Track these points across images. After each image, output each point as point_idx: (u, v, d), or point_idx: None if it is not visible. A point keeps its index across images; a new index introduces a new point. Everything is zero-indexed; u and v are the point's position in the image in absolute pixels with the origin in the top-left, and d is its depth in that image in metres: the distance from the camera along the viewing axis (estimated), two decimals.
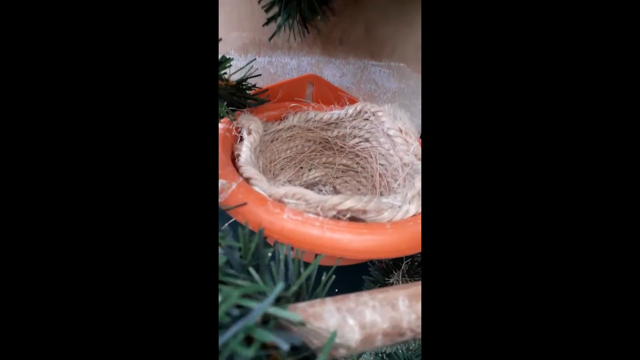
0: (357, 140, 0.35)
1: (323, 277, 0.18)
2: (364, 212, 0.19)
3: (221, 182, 0.19)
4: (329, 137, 0.35)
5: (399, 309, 0.13)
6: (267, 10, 0.26)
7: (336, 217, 0.19)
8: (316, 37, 0.34)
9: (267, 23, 0.27)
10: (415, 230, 0.19)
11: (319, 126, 0.34)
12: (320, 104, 0.34)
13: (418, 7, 0.35)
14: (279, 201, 0.20)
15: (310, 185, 0.34)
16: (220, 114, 0.24)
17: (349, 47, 0.36)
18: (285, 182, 0.34)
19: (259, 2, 0.25)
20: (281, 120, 0.33)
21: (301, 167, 0.35)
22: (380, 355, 0.27)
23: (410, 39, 0.38)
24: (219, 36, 0.15)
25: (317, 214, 0.19)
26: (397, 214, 0.20)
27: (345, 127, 0.34)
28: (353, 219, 0.20)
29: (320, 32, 0.32)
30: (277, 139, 0.32)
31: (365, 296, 0.14)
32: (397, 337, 0.13)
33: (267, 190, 0.20)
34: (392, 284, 0.27)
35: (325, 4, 0.26)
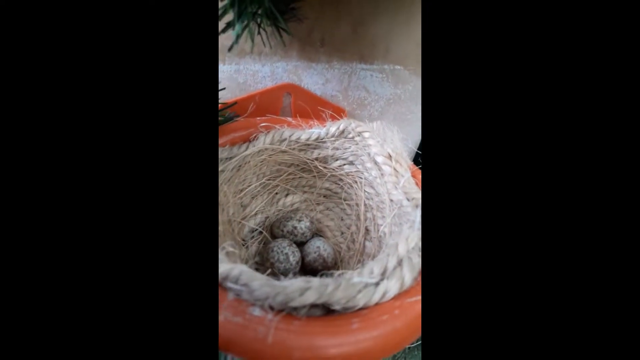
0: (340, 162, 0.30)
1: None
2: (330, 303, 0.15)
3: None
4: (308, 159, 0.30)
5: None
6: (220, 16, 0.20)
7: (291, 314, 0.15)
8: (292, 38, 0.28)
9: (223, 30, 0.22)
10: (390, 329, 0.15)
11: (295, 147, 0.29)
12: (298, 120, 0.29)
13: None
14: (220, 285, 0.16)
15: (285, 217, 0.29)
16: None
17: (333, 49, 0.30)
18: (252, 215, 0.29)
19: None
20: (250, 142, 0.28)
21: (276, 193, 0.31)
22: None
23: (409, 37, 0.32)
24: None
25: (265, 310, 0.15)
26: (373, 296, 0.16)
27: (327, 148, 0.29)
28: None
29: (293, 34, 0.26)
30: (245, 166, 0.27)
31: None
32: None
33: None
34: None
35: (288, 9, 0.21)
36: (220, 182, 0.25)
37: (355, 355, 0.14)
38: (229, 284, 0.15)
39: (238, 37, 0.22)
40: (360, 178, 0.30)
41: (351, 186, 0.30)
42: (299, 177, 0.31)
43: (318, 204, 0.32)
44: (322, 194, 0.32)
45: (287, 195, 0.32)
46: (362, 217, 0.29)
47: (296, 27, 0.27)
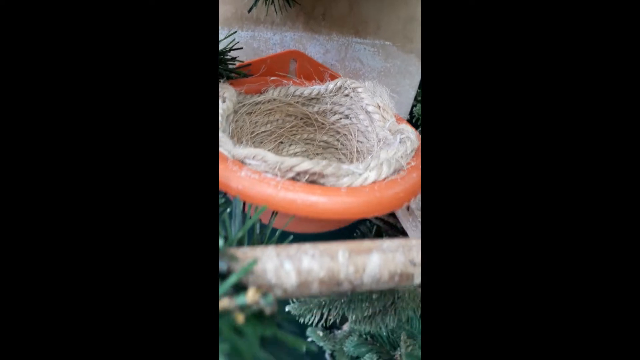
0: (337, 116, 0.35)
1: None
2: (322, 176, 0.20)
3: None
4: (310, 112, 0.35)
5: (337, 260, 0.14)
6: None
7: (294, 179, 0.20)
8: (299, 12, 0.34)
9: None
10: (370, 197, 0.20)
11: (299, 101, 0.34)
12: (302, 80, 0.34)
13: None
14: (241, 162, 0.20)
15: None
16: None
17: (332, 23, 0.36)
18: None
19: None
20: (261, 93, 0.33)
21: (281, 142, 0.36)
22: (364, 336, 0.28)
23: (397, 16, 0.38)
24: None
25: (276, 175, 0.19)
26: (356, 181, 0.21)
27: (326, 103, 0.35)
28: (314, 183, 0.20)
29: (302, 6, 0.32)
30: (255, 112, 0.33)
31: (306, 246, 0.14)
32: (334, 287, 0.14)
33: (231, 151, 0.21)
34: None
35: None
36: (242, 114, 0.30)
37: (342, 210, 0.19)
38: (248, 161, 0.20)
39: (257, 0, 0.28)
40: (355, 129, 0.35)
41: (346, 137, 0.35)
42: (302, 130, 0.36)
43: (317, 154, 0.37)
44: (320, 146, 0.37)
45: (290, 145, 0.37)
46: (355, 162, 0.34)
47: (302, 1, 0.33)
